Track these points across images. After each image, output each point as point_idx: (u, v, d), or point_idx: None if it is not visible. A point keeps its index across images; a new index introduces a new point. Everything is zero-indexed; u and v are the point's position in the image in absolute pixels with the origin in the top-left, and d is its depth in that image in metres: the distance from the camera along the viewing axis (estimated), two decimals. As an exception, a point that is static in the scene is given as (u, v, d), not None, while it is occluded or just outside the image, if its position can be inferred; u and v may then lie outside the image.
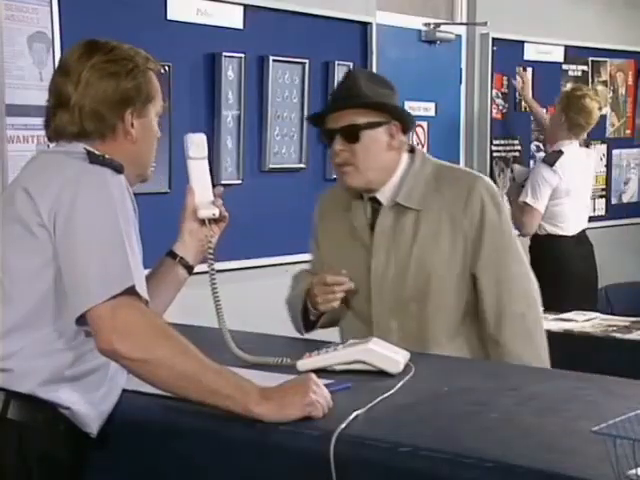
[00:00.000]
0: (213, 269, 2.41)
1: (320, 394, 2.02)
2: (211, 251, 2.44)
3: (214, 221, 2.46)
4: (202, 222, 2.45)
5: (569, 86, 6.37)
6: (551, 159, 5.49)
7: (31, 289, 2.03)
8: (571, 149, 5.56)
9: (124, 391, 2.16)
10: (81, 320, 1.99)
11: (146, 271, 2.24)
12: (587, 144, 6.17)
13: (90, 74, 2.15)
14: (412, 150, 2.93)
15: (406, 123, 2.85)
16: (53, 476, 2.05)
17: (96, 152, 2.10)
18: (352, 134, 2.78)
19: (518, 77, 6.28)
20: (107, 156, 2.10)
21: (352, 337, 2.61)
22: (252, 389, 1.99)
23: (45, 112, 2.22)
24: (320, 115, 2.89)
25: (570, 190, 5.51)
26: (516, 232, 4.71)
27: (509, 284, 2.83)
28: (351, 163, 2.79)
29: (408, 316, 2.84)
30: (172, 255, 2.52)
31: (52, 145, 2.24)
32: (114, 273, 1.96)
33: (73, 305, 1.99)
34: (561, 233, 5.53)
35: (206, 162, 2.48)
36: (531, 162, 6.42)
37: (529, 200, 5.44)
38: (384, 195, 2.86)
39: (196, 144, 2.50)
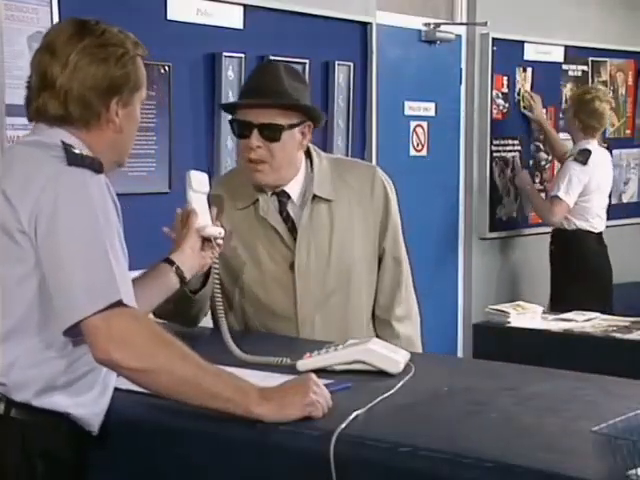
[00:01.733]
0: (218, 278, 2.59)
1: (320, 394, 2.02)
2: (217, 264, 2.60)
3: (214, 239, 2.60)
4: (204, 240, 2.60)
5: (578, 89, 6.38)
6: (583, 158, 5.66)
7: (16, 298, 2.00)
8: (594, 148, 5.71)
9: (124, 391, 2.16)
10: (69, 331, 1.96)
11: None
12: (607, 145, 6.24)
13: (79, 58, 2.09)
14: None
15: (318, 122, 2.88)
16: (56, 475, 2.05)
17: (74, 150, 2.04)
18: (274, 133, 2.76)
19: (527, 101, 6.27)
20: (85, 153, 2.05)
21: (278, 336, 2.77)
22: (251, 390, 1.99)
23: (26, 90, 2.16)
24: (236, 105, 2.86)
25: (599, 187, 5.68)
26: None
27: (403, 265, 2.98)
28: (266, 161, 2.78)
29: (331, 308, 2.87)
30: (169, 262, 2.58)
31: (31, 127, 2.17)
32: (99, 287, 1.93)
33: (60, 317, 1.96)
34: (589, 229, 5.70)
35: (206, 196, 2.65)
36: (530, 162, 6.42)
37: (561, 194, 5.60)
38: (293, 190, 2.86)
39: (199, 180, 2.64)
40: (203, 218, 2.62)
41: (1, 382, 2.00)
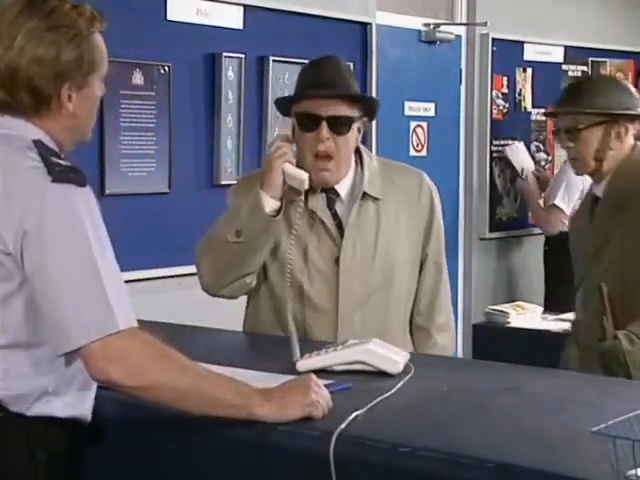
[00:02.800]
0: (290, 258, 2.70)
1: (320, 394, 2.02)
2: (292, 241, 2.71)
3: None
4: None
5: None
6: None
7: (4, 316, 1.94)
8: None
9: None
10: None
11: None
12: None
13: (26, 41, 1.93)
14: None
15: (373, 118, 2.90)
16: (57, 474, 2.04)
17: (51, 158, 1.92)
18: (342, 126, 2.76)
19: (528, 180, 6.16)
20: (65, 164, 1.92)
21: (317, 333, 2.75)
22: (252, 393, 1.99)
23: None
24: (300, 98, 2.81)
25: None
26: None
27: (443, 272, 2.99)
28: (332, 156, 2.77)
29: (372, 308, 2.85)
30: None
31: None
32: (94, 320, 1.87)
33: (55, 344, 1.91)
34: None
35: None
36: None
37: (558, 202, 5.57)
38: (343, 187, 2.86)
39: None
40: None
41: None
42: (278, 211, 2.72)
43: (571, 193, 5.61)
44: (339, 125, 2.75)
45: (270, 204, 2.70)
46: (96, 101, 2.07)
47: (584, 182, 5.60)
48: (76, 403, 2.04)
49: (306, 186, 2.69)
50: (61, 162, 1.93)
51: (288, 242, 2.73)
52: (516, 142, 6.23)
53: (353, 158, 2.88)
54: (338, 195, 2.86)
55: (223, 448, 2.03)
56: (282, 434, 1.97)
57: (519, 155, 6.10)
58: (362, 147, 2.94)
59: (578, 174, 3.34)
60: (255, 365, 2.42)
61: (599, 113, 3.19)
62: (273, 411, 1.97)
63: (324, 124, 2.74)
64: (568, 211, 5.59)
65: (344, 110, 2.76)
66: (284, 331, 2.68)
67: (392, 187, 2.89)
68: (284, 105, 2.89)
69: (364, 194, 2.85)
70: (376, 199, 2.86)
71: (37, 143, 1.95)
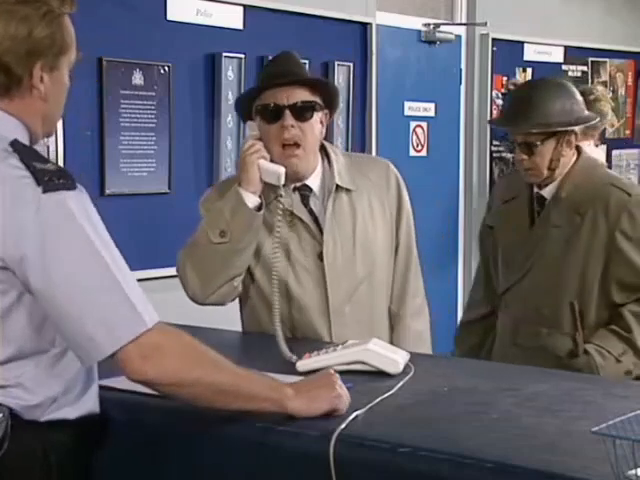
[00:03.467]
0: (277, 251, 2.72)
1: (343, 388, 2.04)
2: (277, 243, 2.73)
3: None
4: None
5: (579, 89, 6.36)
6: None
7: (5, 330, 1.89)
8: (590, 150, 5.66)
9: (124, 391, 2.16)
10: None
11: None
12: (602, 142, 6.21)
13: None
14: None
15: (334, 111, 2.91)
16: (68, 476, 2.03)
17: (35, 164, 1.84)
18: (305, 111, 2.77)
19: None
20: (51, 168, 1.85)
21: (310, 330, 2.79)
22: (283, 387, 2.00)
23: None
24: (260, 90, 2.81)
25: None
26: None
27: (414, 256, 3.00)
28: (300, 143, 2.77)
29: (358, 300, 2.86)
30: None
31: None
32: (122, 322, 1.84)
33: (84, 355, 1.87)
34: None
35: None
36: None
37: None
38: (314, 182, 2.87)
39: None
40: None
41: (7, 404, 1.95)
42: (259, 207, 2.73)
43: None
44: (302, 111, 2.76)
45: (251, 200, 2.72)
46: (65, 88, 1.99)
47: None
48: (84, 399, 2.02)
49: (283, 180, 2.71)
50: (46, 167, 1.86)
51: (270, 244, 2.75)
52: None
53: (319, 155, 2.88)
54: (311, 190, 2.86)
55: (223, 448, 2.03)
56: (282, 434, 1.97)
57: None
58: (327, 143, 2.95)
59: (531, 182, 3.33)
60: (255, 365, 2.42)
61: (558, 130, 3.22)
62: (303, 405, 1.98)
63: (287, 112, 2.75)
64: None
65: (305, 96, 2.78)
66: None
67: (362, 178, 2.91)
68: (246, 105, 2.87)
69: (337, 187, 2.86)
70: (349, 190, 2.87)
71: (15, 145, 1.87)
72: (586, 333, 3.16)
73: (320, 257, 2.83)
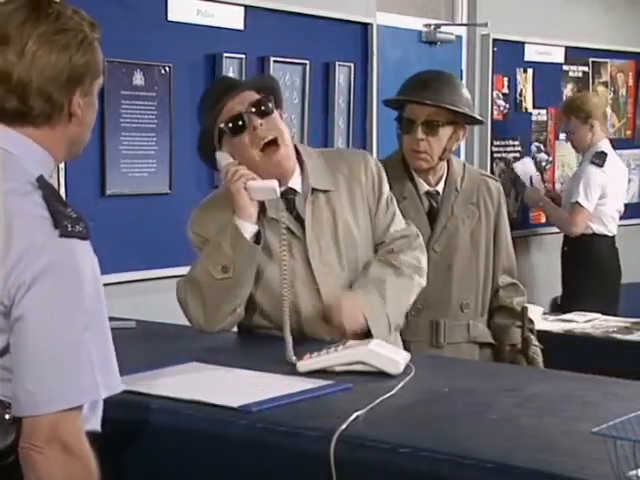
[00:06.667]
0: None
1: None
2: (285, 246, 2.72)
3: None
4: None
5: (576, 94, 6.34)
6: (600, 160, 5.59)
7: (6, 364, 1.84)
8: (608, 148, 5.68)
9: (124, 392, 2.16)
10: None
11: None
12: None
13: (38, 46, 1.87)
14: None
15: (279, 105, 2.90)
16: None
17: (58, 206, 1.83)
18: (263, 106, 2.77)
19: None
20: (71, 214, 1.84)
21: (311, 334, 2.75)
22: None
23: None
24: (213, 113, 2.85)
25: (615, 189, 5.63)
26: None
27: (395, 206, 2.99)
28: (274, 135, 2.75)
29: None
30: None
31: None
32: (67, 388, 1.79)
33: (20, 404, 1.80)
34: (605, 233, 5.63)
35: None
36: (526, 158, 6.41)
37: (581, 200, 5.52)
38: (296, 183, 2.85)
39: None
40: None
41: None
42: (257, 234, 2.73)
43: (592, 192, 5.56)
44: (260, 108, 2.76)
45: (248, 229, 2.72)
46: (95, 110, 2.02)
47: (603, 179, 5.60)
48: (88, 416, 2.01)
49: (279, 192, 2.70)
50: (66, 211, 1.85)
51: (268, 263, 2.76)
52: (525, 158, 6.22)
53: (295, 158, 2.85)
54: (295, 192, 2.84)
55: (223, 448, 2.03)
56: (282, 434, 1.97)
57: (527, 168, 6.07)
58: (299, 145, 2.94)
59: (419, 168, 3.33)
60: (255, 366, 2.42)
61: (458, 120, 3.33)
62: None
63: (247, 116, 2.75)
64: (592, 210, 5.54)
65: (255, 96, 2.78)
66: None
67: (338, 175, 2.88)
68: (208, 139, 2.88)
69: (313, 190, 2.83)
70: (326, 192, 2.85)
71: (41, 181, 1.87)
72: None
73: (308, 261, 2.81)
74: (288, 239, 2.75)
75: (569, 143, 6.03)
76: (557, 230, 5.96)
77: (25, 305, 1.78)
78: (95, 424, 1.98)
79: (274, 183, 2.70)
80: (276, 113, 2.80)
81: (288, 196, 2.83)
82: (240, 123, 2.76)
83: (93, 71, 1.95)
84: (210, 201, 2.94)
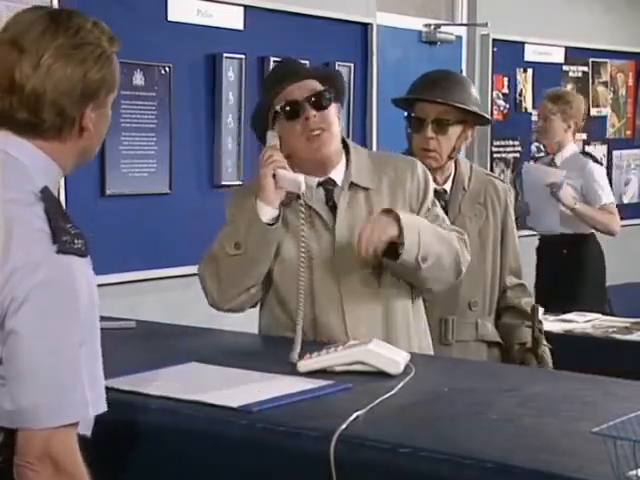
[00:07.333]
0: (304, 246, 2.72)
1: None
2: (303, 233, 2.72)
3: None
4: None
5: (554, 94, 6.27)
6: (597, 159, 5.56)
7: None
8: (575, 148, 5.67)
9: (124, 392, 2.16)
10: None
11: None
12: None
13: (54, 59, 1.85)
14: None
15: (342, 99, 2.92)
16: None
17: (58, 221, 1.81)
18: (322, 100, 2.77)
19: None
20: (72, 230, 1.82)
21: (328, 322, 2.73)
22: None
23: None
24: (270, 95, 2.83)
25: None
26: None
27: (439, 210, 3.00)
28: (323, 128, 2.75)
29: (374, 299, 2.80)
30: None
31: None
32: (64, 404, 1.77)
33: (11, 416, 1.78)
34: (592, 230, 5.60)
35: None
36: (531, 162, 6.41)
37: (606, 200, 5.45)
38: (337, 176, 2.85)
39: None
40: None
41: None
42: (277, 218, 2.73)
43: (607, 187, 5.52)
44: (318, 100, 2.76)
45: (268, 213, 2.72)
46: (108, 120, 2.00)
47: (604, 172, 5.58)
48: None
49: (303, 188, 2.70)
50: (67, 227, 1.83)
51: (291, 244, 2.74)
52: (526, 163, 6.15)
53: (343, 150, 2.86)
54: (335, 184, 2.84)
55: (223, 448, 2.03)
56: (282, 434, 1.97)
57: (539, 171, 5.85)
58: (349, 140, 2.95)
59: (428, 167, 3.31)
60: (255, 366, 2.42)
61: (478, 113, 3.32)
62: None
63: (303, 105, 2.75)
64: (615, 203, 5.51)
65: (317, 86, 2.79)
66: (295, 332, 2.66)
67: (383, 177, 2.88)
68: (263, 116, 2.85)
69: (351, 184, 2.83)
70: (365, 189, 2.85)
71: (45, 193, 1.85)
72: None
73: (334, 250, 2.78)
74: (318, 229, 2.78)
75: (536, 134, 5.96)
76: (531, 233, 5.84)
77: (19, 320, 1.76)
78: (85, 429, 1.97)
79: (301, 178, 2.71)
80: (332, 107, 2.80)
81: (327, 186, 2.84)
82: (295, 110, 2.77)
83: (108, 85, 1.94)
84: (245, 186, 2.99)
